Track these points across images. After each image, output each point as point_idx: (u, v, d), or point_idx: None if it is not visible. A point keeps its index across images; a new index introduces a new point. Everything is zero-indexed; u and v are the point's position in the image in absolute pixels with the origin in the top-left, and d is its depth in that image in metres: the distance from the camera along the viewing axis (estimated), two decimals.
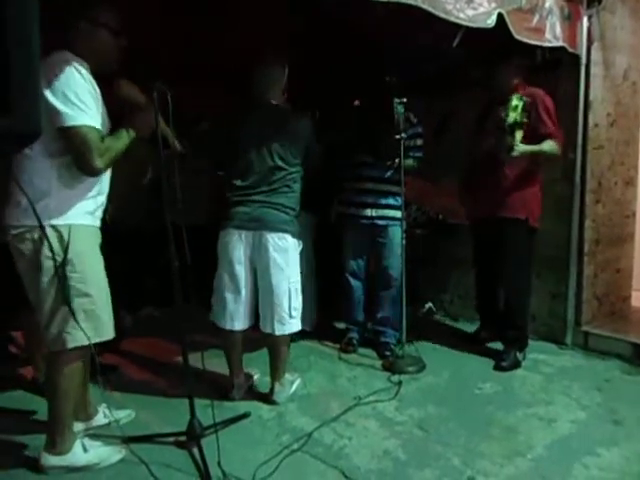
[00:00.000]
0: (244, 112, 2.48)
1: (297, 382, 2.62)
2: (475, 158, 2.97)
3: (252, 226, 2.35)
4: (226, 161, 2.47)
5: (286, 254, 2.36)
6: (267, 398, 2.47)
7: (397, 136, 2.78)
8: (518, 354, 2.95)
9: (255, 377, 2.69)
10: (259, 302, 2.43)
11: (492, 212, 2.91)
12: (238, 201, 2.39)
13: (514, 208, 2.84)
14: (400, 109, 2.76)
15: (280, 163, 2.37)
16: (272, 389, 2.47)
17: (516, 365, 2.90)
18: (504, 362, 2.89)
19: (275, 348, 2.46)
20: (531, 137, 2.67)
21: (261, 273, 2.39)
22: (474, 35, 2.47)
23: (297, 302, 2.43)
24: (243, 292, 2.41)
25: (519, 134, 2.61)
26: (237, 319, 2.43)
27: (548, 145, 2.75)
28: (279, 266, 2.35)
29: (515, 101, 2.60)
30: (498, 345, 3.09)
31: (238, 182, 2.40)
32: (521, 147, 2.63)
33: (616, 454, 1.98)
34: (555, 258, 3.26)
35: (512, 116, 2.59)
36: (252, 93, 2.44)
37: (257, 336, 2.49)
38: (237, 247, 2.37)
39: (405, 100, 2.76)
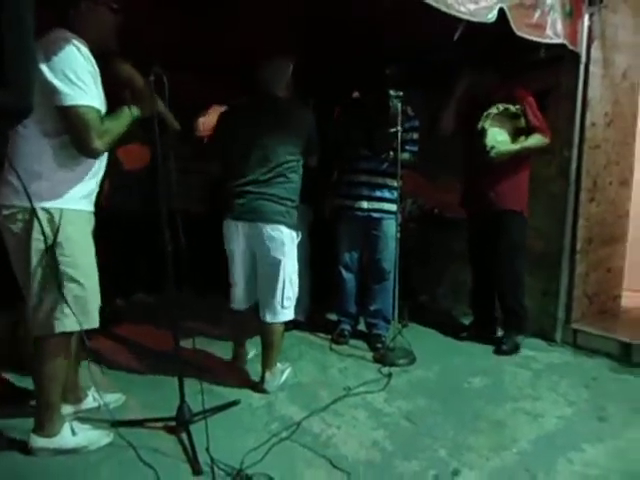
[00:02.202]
0: (246, 104, 2.54)
1: (287, 371, 2.63)
2: (469, 154, 3.05)
3: (248, 217, 2.41)
4: (226, 153, 2.50)
5: (281, 245, 2.40)
6: (258, 387, 2.48)
7: (392, 129, 2.78)
8: (518, 338, 3.08)
9: (251, 353, 2.82)
10: (258, 289, 2.52)
11: (488, 206, 3.00)
12: (236, 192, 2.44)
13: (510, 201, 2.96)
14: (396, 102, 2.75)
15: (278, 153, 2.40)
16: (263, 377, 2.48)
17: (516, 348, 3.06)
18: (504, 346, 3.04)
19: (267, 337, 2.49)
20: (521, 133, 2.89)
21: (259, 262, 2.48)
22: (473, 29, 2.46)
23: (291, 292, 2.47)
24: (242, 276, 2.55)
25: (489, 137, 2.85)
26: (237, 300, 2.62)
27: (534, 139, 2.89)
28: (273, 257, 2.41)
29: (493, 109, 2.85)
30: (490, 340, 3.14)
31: (236, 173, 2.45)
32: (500, 148, 2.85)
33: (601, 450, 2.00)
34: (547, 255, 3.28)
35: (481, 123, 2.87)
36: (257, 86, 2.49)
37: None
38: (235, 237, 2.47)
39: (401, 93, 2.76)
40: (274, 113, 2.44)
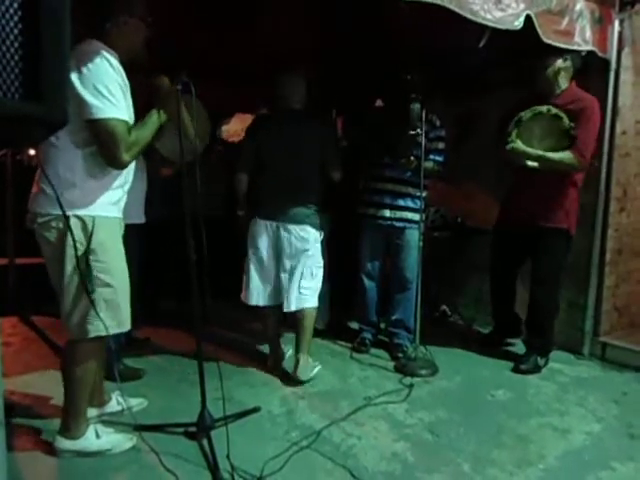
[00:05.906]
0: (271, 118, 2.76)
1: (317, 368, 2.75)
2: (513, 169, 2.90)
3: (279, 218, 2.67)
4: (255, 162, 2.73)
5: (306, 243, 2.68)
6: (291, 376, 2.64)
7: (412, 132, 2.77)
8: (539, 359, 2.93)
9: (288, 352, 2.94)
10: (282, 283, 2.73)
11: (531, 221, 2.85)
12: (267, 195, 2.68)
13: (556, 218, 2.81)
14: (415, 104, 2.74)
15: (302, 161, 2.65)
16: (297, 364, 2.65)
17: (536, 370, 2.89)
18: (523, 365, 2.89)
19: (299, 322, 2.71)
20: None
21: (284, 259, 2.70)
22: (499, 36, 2.44)
23: (312, 283, 2.73)
24: (268, 273, 2.74)
25: (516, 134, 2.70)
26: (257, 295, 2.77)
27: (561, 155, 2.67)
28: (297, 253, 2.68)
29: (544, 108, 2.67)
30: (512, 348, 3.10)
31: (265, 179, 2.70)
32: (517, 144, 2.70)
33: (632, 469, 1.93)
34: (575, 267, 3.19)
35: (522, 113, 2.70)
36: (277, 101, 2.73)
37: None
38: (263, 236, 2.70)
39: (421, 96, 2.75)
40: (296, 125, 2.66)
